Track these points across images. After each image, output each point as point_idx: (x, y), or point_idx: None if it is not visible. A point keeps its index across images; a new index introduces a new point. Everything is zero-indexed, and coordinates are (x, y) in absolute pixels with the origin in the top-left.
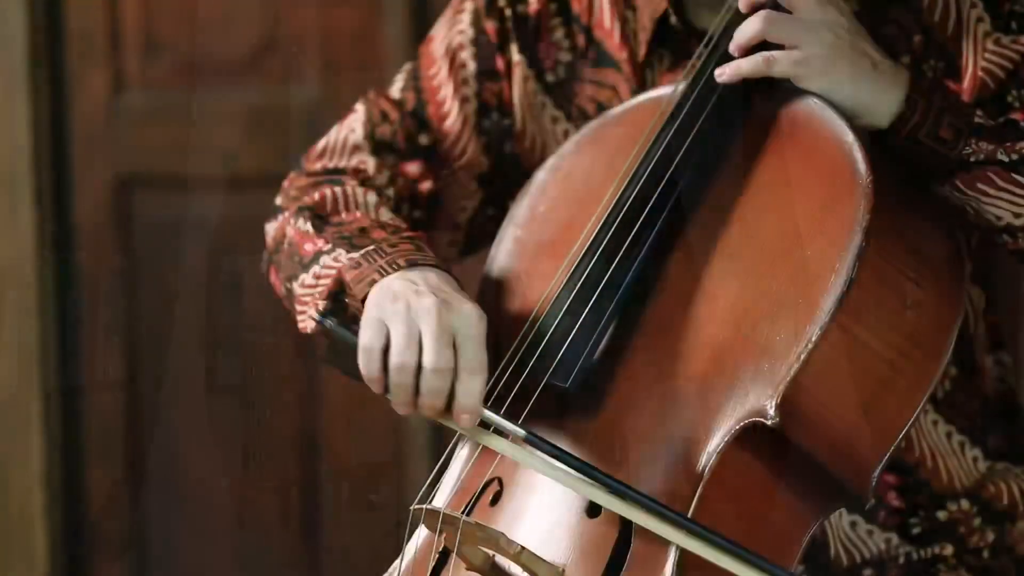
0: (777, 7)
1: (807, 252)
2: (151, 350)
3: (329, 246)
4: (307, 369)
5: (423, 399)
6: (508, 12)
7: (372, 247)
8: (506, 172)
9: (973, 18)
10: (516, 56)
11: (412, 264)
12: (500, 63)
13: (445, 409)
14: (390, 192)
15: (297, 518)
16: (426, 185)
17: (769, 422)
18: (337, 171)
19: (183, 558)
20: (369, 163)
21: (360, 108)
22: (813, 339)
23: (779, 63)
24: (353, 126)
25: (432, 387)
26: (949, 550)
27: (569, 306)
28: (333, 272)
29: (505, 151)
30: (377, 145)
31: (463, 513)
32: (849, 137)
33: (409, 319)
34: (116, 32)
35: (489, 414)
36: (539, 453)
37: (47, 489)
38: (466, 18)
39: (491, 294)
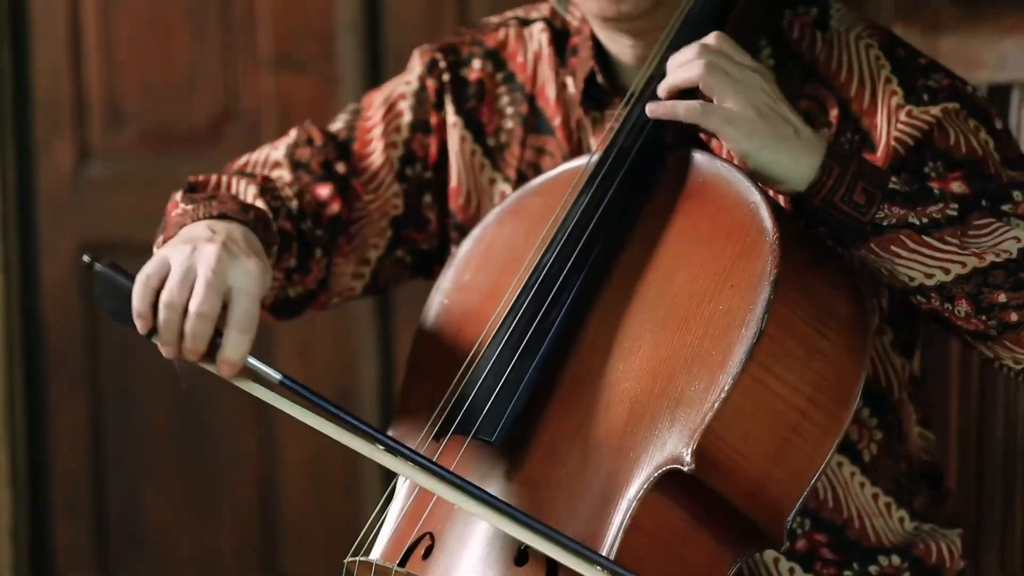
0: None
1: (719, 306)
2: (115, 408)
3: (181, 206)
4: (265, 424)
5: (185, 342)
6: (447, 76)
7: (204, 201)
8: (420, 220)
9: (887, 92)
10: (452, 117)
11: (223, 216)
12: (434, 119)
13: (206, 355)
14: (293, 204)
15: (257, 571)
16: (334, 208)
17: (686, 468)
18: (247, 173)
19: None
20: (285, 177)
21: (292, 133)
22: (726, 388)
23: (713, 117)
24: (277, 145)
25: (194, 331)
26: None
27: (493, 365)
28: (168, 222)
29: (423, 201)
30: (295, 164)
31: (396, 565)
32: (755, 196)
33: (189, 260)
34: (81, 103)
35: (253, 362)
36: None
37: (14, 544)
38: (413, 73)
39: (420, 357)
